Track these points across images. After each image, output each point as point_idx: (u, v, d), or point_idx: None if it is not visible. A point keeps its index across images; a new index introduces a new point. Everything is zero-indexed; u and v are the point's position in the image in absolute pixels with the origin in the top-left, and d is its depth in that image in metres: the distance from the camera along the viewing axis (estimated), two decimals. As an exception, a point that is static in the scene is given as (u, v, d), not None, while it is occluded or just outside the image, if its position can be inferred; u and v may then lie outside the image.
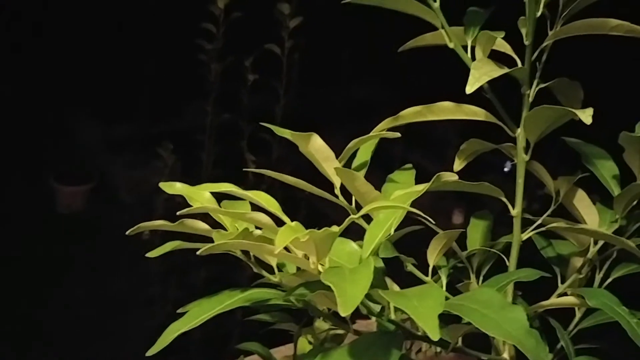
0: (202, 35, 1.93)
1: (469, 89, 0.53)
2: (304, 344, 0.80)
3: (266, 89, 2.00)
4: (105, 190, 2.85)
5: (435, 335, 0.40)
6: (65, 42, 2.69)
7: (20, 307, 2.24)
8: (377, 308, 0.59)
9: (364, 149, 0.69)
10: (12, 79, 2.63)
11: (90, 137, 3.01)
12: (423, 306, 0.42)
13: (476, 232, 0.76)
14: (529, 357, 0.46)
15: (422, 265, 0.73)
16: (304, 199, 2.01)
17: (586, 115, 0.51)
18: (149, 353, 0.58)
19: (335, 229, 0.45)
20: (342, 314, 0.39)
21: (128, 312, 2.23)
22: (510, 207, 0.65)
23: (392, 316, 0.54)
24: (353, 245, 0.56)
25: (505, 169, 3.06)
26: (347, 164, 0.68)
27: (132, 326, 2.11)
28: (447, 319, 0.54)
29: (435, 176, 0.53)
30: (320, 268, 0.48)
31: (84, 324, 2.22)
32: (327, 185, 0.66)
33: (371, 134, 0.66)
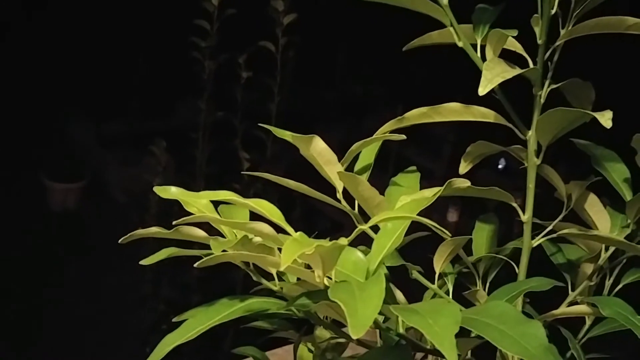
0: (196, 33, 1.90)
1: (482, 90, 0.51)
2: (304, 352, 0.77)
3: (260, 87, 1.98)
4: (98, 188, 2.83)
5: (452, 357, 0.38)
6: (57, 40, 2.66)
7: (12, 304, 2.21)
8: (381, 318, 0.56)
9: (367, 151, 0.66)
10: (3, 76, 2.60)
11: (83, 134, 2.98)
12: (438, 325, 0.40)
13: (482, 236, 0.73)
14: (548, 375, 0.43)
15: (424, 270, 0.70)
16: (299, 197, 1.98)
17: (605, 119, 0.48)
18: (145, 364, 0.55)
19: (343, 241, 0.42)
20: (354, 337, 0.37)
21: (121, 310, 2.20)
22: (520, 212, 0.62)
23: (401, 330, 0.51)
24: (358, 254, 0.53)
25: (499, 166, 3.04)
26: (349, 167, 0.65)
27: (125, 324, 2.09)
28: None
29: (446, 183, 0.50)
30: (326, 281, 0.46)
31: (76, 322, 2.19)
32: (327, 185, 0.63)
33: (375, 136, 0.63)
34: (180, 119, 2.64)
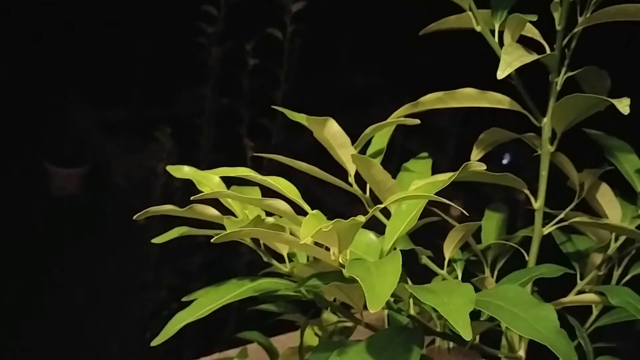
0: (203, 18, 1.90)
1: (501, 74, 0.51)
2: (310, 336, 0.77)
3: (267, 74, 1.97)
4: (101, 173, 2.82)
5: (467, 335, 0.38)
6: (59, 23, 2.65)
7: (13, 289, 2.21)
8: (392, 299, 0.56)
9: (380, 136, 0.66)
10: (3, 61, 2.59)
11: (87, 119, 2.98)
12: (453, 303, 0.40)
13: (491, 224, 0.73)
14: (560, 357, 0.43)
15: (431, 257, 0.70)
16: (301, 187, 1.98)
17: (623, 105, 0.48)
18: (154, 343, 0.56)
19: (361, 218, 0.42)
20: (371, 311, 0.37)
21: (122, 296, 2.20)
22: (532, 199, 0.62)
23: (412, 311, 0.51)
24: (371, 236, 0.54)
25: (504, 162, 3.03)
26: (362, 152, 0.65)
27: (126, 310, 2.09)
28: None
29: (462, 166, 0.50)
30: (341, 259, 0.46)
31: (77, 307, 2.19)
32: (333, 173, 0.63)
33: (389, 120, 0.63)
34: (184, 106, 2.63)
